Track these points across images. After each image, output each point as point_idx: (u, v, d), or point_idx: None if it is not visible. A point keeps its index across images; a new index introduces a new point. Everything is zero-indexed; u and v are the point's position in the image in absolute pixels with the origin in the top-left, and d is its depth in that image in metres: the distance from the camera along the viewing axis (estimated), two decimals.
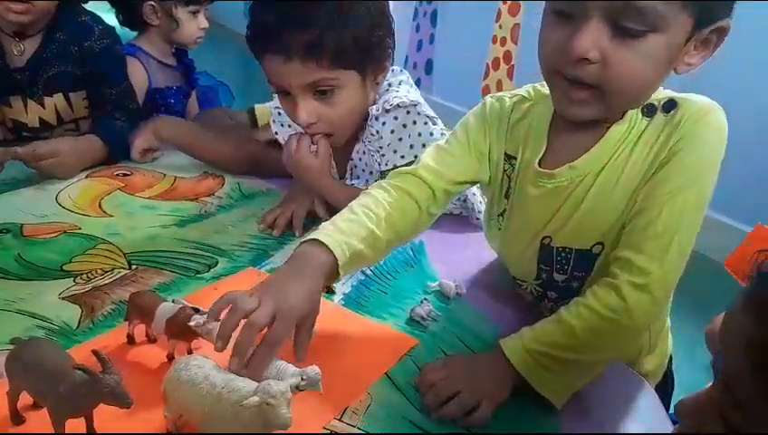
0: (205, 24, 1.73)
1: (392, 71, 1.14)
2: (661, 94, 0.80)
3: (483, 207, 1.07)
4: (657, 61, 0.72)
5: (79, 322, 0.84)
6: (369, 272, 1.00)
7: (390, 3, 1.09)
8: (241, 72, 3.90)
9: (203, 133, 1.41)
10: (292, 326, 0.71)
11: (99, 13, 1.45)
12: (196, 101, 1.83)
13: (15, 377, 0.65)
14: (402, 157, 1.09)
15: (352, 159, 1.19)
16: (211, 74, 1.95)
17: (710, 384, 0.53)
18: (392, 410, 0.73)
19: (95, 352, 0.61)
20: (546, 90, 0.83)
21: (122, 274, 0.96)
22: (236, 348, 0.67)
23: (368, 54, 1.05)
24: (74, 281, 0.93)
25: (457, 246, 1.10)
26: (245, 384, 0.61)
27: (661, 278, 0.74)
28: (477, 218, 1.13)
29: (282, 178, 1.27)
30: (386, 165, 1.10)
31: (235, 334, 0.68)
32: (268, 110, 1.34)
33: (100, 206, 1.18)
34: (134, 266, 0.99)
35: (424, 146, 1.05)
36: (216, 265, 1.00)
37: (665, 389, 1.00)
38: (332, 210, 0.87)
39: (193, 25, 1.70)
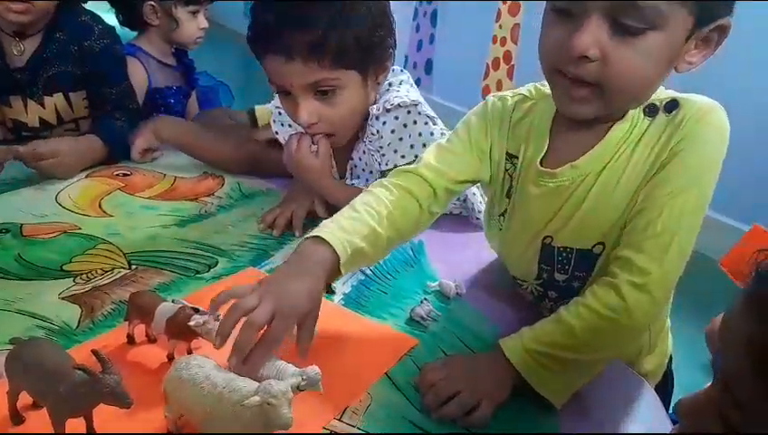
0: (205, 24, 1.73)
1: (393, 70, 1.14)
2: (663, 94, 0.80)
3: (483, 207, 1.07)
4: (657, 58, 0.72)
5: (79, 322, 0.84)
6: (368, 272, 1.00)
7: (390, 3, 1.09)
8: (241, 72, 3.90)
9: (203, 133, 1.41)
10: (292, 325, 0.71)
11: (99, 13, 1.45)
12: (196, 102, 1.83)
13: (15, 377, 0.65)
14: (402, 156, 1.09)
15: (352, 159, 1.19)
16: (211, 74, 1.95)
17: (709, 384, 0.53)
18: (392, 410, 0.73)
19: (95, 352, 0.61)
20: (548, 89, 0.83)
21: (122, 274, 0.96)
22: (236, 347, 0.67)
23: (369, 54, 1.04)
24: (74, 281, 0.93)
25: (457, 246, 1.10)
26: (246, 384, 0.61)
27: (661, 278, 0.74)
28: (477, 218, 1.13)
29: (282, 178, 1.27)
30: (386, 165, 1.10)
31: (235, 332, 0.68)
32: (268, 111, 1.33)
33: (100, 206, 1.18)
34: (134, 266, 0.98)
35: (424, 146, 1.05)
36: (215, 265, 1.00)
37: (665, 389, 1.00)
38: (332, 210, 0.87)
39: (193, 25, 1.70)
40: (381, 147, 1.11)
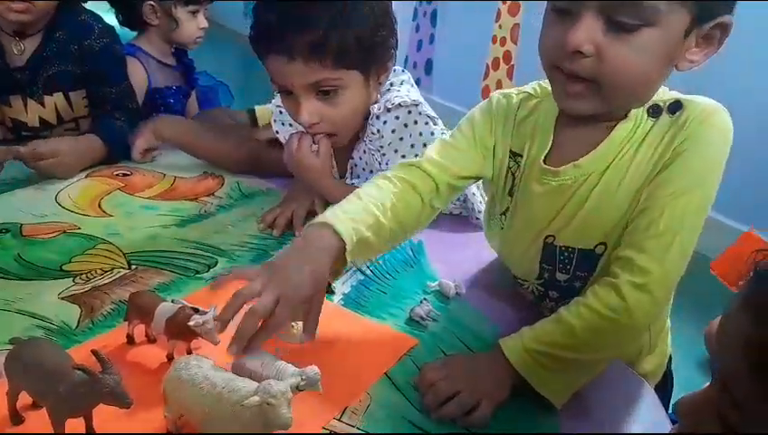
0: (204, 23, 1.73)
1: (393, 70, 1.14)
2: (667, 95, 0.80)
3: (483, 207, 1.07)
4: (653, 55, 0.73)
5: (78, 322, 0.84)
6: (368, 272, 1.00)
7: (391, 3, 1.09)
8: (241, 72, 3.91)
9: (203, 132, 1.41)
10: (296, 311, 0.71)
11: (99, 13, 1.45)
12: (196, 101, 1.83)
13: (15, 377, 0.65)
14: (403, 156, 1.09)
15: (353, 159, 1.19)
16: (211, 74, 1.95)
17: (708, 384, 0.53)
18: (392, 410, 0.73)
19: (95, 352, 0.61)
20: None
21: (122, 274, 0.96)
22: (237, 334, 0.68)
23: (371, 55, 1.04)
24: (74, 281, 0.93)
25: (457, 246, 1.10)
26: (246, 384, 0.61)
27: (661, 278, 0.74)
28: (477, 218, 1.13)
29: (282, 178, 1.27)
30: (386, 164, 1.10)
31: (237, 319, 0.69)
32: (268, 111, 1.34)
33: (99, 206, 1.18)
34: (134, 266, 0.98)
35: (425, 145, 1.05)
36: (215, 265, 1.00)
37: (664, 389, 1.00)
38: None
39: (192, 25, 1.70)
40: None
